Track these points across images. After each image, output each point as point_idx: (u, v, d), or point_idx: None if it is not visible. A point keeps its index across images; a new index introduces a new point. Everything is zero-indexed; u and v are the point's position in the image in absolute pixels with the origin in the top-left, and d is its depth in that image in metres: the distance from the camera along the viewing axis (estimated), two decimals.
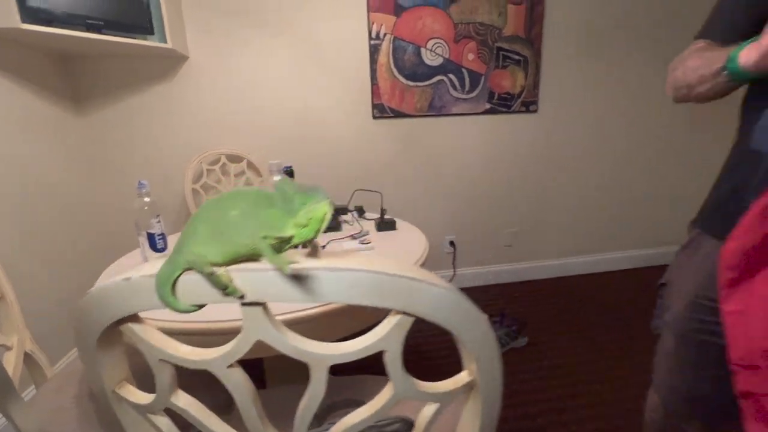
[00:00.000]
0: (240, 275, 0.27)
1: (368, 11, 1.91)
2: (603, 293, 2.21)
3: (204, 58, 1.83)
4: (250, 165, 1.95)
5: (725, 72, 0.59)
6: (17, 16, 1.25)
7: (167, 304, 0.28)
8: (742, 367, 0.51)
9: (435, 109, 2.08)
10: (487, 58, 2.05)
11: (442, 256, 2.31)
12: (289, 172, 1.02)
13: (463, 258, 2.34)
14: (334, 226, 1.25)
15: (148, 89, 1.81)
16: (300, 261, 0.27)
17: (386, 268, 0.27)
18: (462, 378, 0.36)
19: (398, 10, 1.92)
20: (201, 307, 0.28)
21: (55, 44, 1.53)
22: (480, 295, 2.24)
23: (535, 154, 2.24)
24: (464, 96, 2.08)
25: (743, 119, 0.68)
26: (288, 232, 0.27)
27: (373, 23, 1.92)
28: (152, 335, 0.32)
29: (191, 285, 0.28)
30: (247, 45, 1.85)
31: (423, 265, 1.03)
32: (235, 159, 1.93)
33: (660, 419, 0.84)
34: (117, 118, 1.81)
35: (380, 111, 2.03)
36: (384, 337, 0.31)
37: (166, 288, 0.28)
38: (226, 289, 0.26)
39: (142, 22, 1.59)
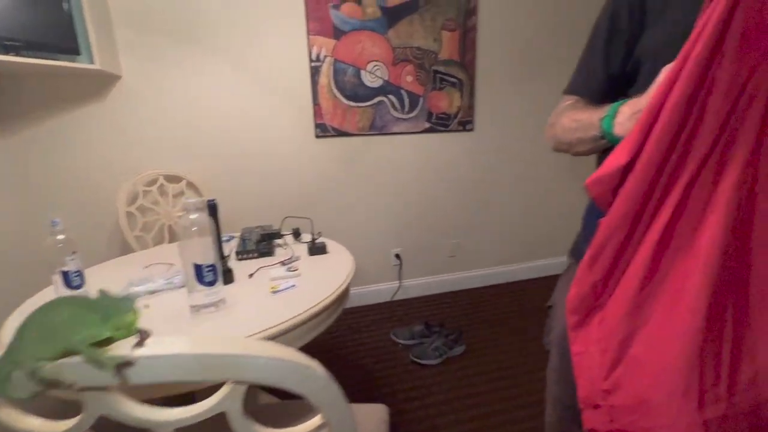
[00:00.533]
0: (73, 367, 0.31)
1: (308, 34, 1.95)
2: (539, 297, 2.37)
3: (138, 78, 1.80)
4: (190, 185, 1.93)
5: (603, 140, 0.59)
6: None
7: (2, 392, 0.32)
8: (586, 406, 0.53)
9: (377, 129, 2.16)
10: (424, 81, 2.16)
11: (389, 269, 2.39)
12: (213, 206, 1.04)
13: (409, 270, 2.42)
14: (266, 251, 1.28)
15: (78, 109, 1.75)
16: (125, 351, 0.32)
17: (209, 349, 0.33)
18: (314, 422, 0.41)
19: (337, 34, 1.99)
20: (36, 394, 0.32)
21: None
22: (424, 305, 2.34)
23: (473, 170, 2.38)
24: (404, 116, 2.18)
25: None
26: (106, 335, 0.31)
27: (313, 46, 1.97)
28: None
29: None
30: (185, 64, 1.84)
31: (349, 284, 1.08)
32: (173, 179, 1.90)
33: (554, 423, 0.94)
34: (43, 140, 1.73)
35: (323, 130, 2.08)
36: (221, 402, 0.36)
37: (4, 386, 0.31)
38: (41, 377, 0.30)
39: (67, 43, 1.55)
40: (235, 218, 2.04)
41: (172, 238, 1.88)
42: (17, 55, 1.42)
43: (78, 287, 0.97)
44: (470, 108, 2.28)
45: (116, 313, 0.30)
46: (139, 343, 0.31)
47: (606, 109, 0.57)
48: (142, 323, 0.31)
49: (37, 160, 1.75)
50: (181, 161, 1.92)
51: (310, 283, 1.06)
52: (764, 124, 0.38)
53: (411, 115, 2.19)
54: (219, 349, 0.33)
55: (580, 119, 0.65)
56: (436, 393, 1.58)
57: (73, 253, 0.95)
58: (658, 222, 0.42)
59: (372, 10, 2.01)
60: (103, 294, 0.33)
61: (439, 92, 2.20)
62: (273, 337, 0.84)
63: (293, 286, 1.03)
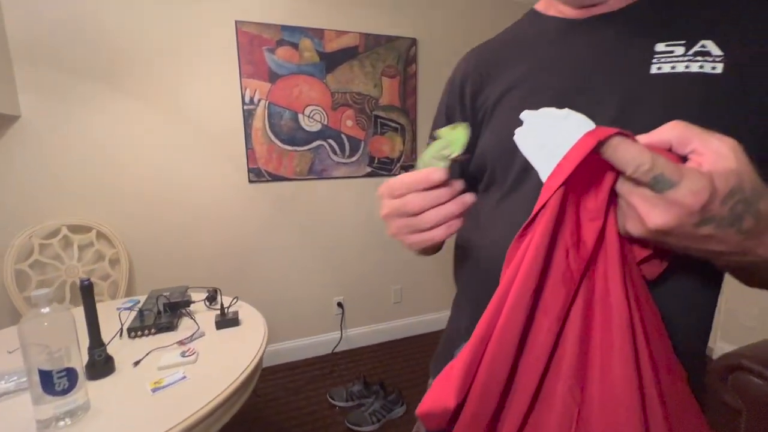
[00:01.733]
0: None
1: (241, 77, 1.87)
2: None
3: (40, 118, 1.61)
4: (101, 235, 1.72)
5: None
6: None
7: None
8: None
9: (315, 173, 2.08)
10: (365, 125, 2.13)
11: (331, 318, 2.25)
12: (87, 287, 0.89)
13: (352, 318, 2.30)
14: (166, 326, 1.12)
15: None
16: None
17: None
18: None
19: (273, 77, 1.92)
20: None
21: None
22: (367, 357, 2.21)
23: None
24: (345, 160, 2.12)
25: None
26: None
27: (246, 88, 1.88)
28: None
29: None
30: (99, 105, 1.68)
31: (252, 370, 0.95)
32: (80, 230, 1.69)
33: None
34: None
35: (257, 175, 1.96)
36: None
37: None
38: None
39: None
40: (154, 272, 1.85)
41: (76, 300, 1.65)
42: None
43: None
44: (412, 152, 2.26)
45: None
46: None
47: None
48: None
49: None
50: (91, 209, 1.72)
51: (205, 372, 0.92)
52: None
53: (352, 159, 2.13)
54: None
55: None
56: None
57: None
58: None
59: (309, 54, 1.97)
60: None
61: (380, 137, 2.17)
62: None
63: (183, 378, 0.89)
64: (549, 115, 0.34)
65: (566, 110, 0.33)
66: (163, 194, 1.83)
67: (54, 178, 1.66)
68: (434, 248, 0.58)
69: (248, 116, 1.91)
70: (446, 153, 0.39)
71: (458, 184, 0.40)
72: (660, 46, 0.41)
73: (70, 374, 0.74)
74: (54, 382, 0.72)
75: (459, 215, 0.40)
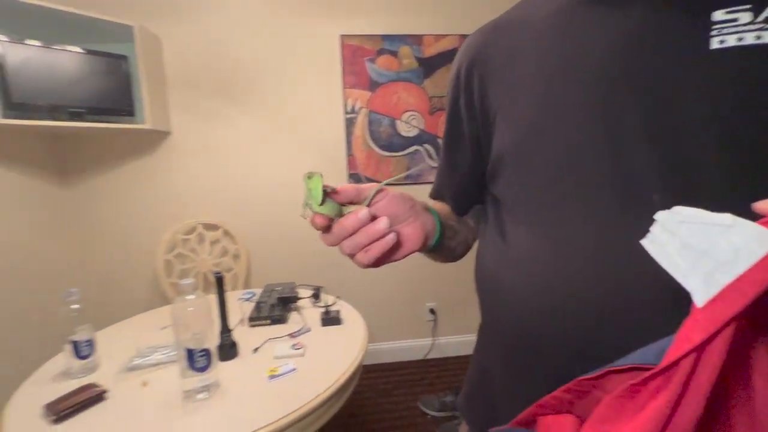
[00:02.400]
0: None
1: (344, 88, 1.98)
2: None
3: (185, 134, 1.92)
4: (226, 233, 1.98)
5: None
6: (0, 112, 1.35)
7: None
8: None
9: (411, 178, 2.09)
10: None
11: (422, 324, 2.24)
12: (219, 279, 1.01)
13: (445, 327, 2.25)
14: (279, 318, 1.23)
15: (130, 163, 1.90)
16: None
17: None
18: None
19: (373, 86, 1.99)
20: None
21: (40, 129, 1.64)
22: (459, 368, 2.14)
23: None
24: None
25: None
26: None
27: (348, 98, 1.98)
28: None
29: None
30: (227, 121, 1.94)
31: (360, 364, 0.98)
32: (211, 227, 1.96)
33: None
34: (100, 190, 1.89)
35: (356, 180, 2.05)
36: None
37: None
38: None
39: (123, 106, 1.70)
40: (265, 269, 2.05)
41: (208, 287, 1.92)
42: (80, 120, 1.57)
43: (86, 357, 0.97)
44: None
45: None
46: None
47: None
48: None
49: (94, 208, 1.90)
50: (218, 210, 1.99)
51: (312, 367, 0.98)
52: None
53: None
54: None
55: None
56: None
57: (85, 324, 0.96)
58: None
59: (408, 61, 1.99)
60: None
61: None
62: None
63: (293, 370, 0.95)
64: (705, 220, 0.25)
65: (729, 216, 0.24)
66: (275, 198, 2.03)
67: (192, 184, 1.96)
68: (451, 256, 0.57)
69: (349, 124, 2.01)
70: (311, 203, 0.40)
71: (353, 218, 0.39)
72: (718, 14, 0.32)
73: (208, 354, 0.84)
74: (196, 359, 0.83)
75: (371, 242, 0.39)
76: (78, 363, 0.96)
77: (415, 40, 1.98)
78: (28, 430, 0.79)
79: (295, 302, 1.34)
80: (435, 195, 0.62)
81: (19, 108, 1.44)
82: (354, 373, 0.99)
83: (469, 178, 0.53)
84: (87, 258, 1.91)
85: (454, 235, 0.55)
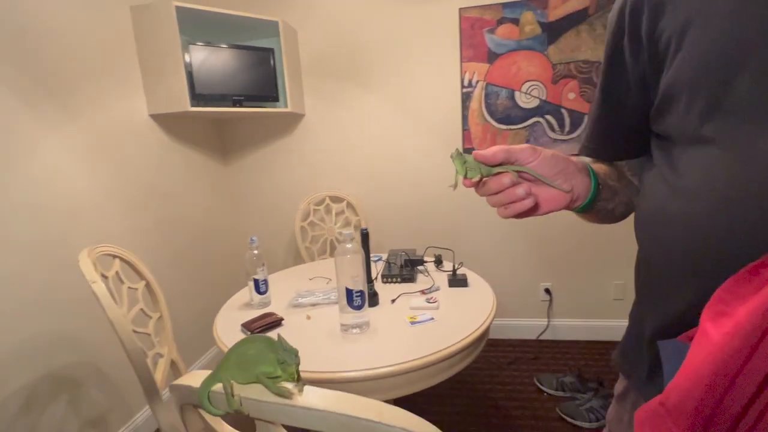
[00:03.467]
0: (251, 402, 0.39)
1: (461, 61, 1.98)
2: None
3: (316, 115, 2.15)
4: (349, 205, 2.18)
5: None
6: (188, 102, 1.70)
7: (202, 406, 0.42)
8: None
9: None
10: (591, 96, 1.91)
11: (537, 304, 2.17)
12: (365, 235, 1.15)
13: (561, 308, 2.15)
14: (408, 277, 1.33)
15: (273, 142, 2.21)
16: (291, 394, 0.37)
17: (351, 410, 0.35)
18: None
19: (492, 57, 1.95)
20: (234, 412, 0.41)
21: (210, 116, 2.01)
22: (576, 352, 2.03)
23: None
24: (564, 137, 1.97)
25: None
26: (278, 374, 0.38)
27: (465, 72, 1.98)
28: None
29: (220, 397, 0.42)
30: (351, 101, 2.11)
31: (491, 321, 1.03)
32: (336, 200, 2.18)
33: None
34: (250, 166, 2.25)
35: None
36: None
37: (204, 395, 0.41)
38: (232, 405, 0.39)
39: (270, 93, 1.97)
40: (383, 238, 2.21)
41: (332, 252, 2.15)
42: (240, 106, 1.88)
43: (263, 293, 1.20)
44: None
45: (286, 361, 0.37)
46: (299, 387, 0.37)
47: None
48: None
49: (246, 181, 2.27)
50: (343, 184, 2.20)
51: (448, 318, 1.05)
52: None
53: (572, 135, 1.96)
54: (360, 412, 0.35)
55: None
56: None
57: (263, 265, 1.19)
58: None
59: (531, 27, 1.90)
60: (280, 340, 0.41)
61: None
62: (410, 371, 0.86)
63: (431, 319, 1.04)
64: None
65: None
66: (393, 172, 2.15)
67: (322, 159, 2.19)
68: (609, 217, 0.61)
69: (466, 98, 2.01)
70: (471, 175, 0.46)
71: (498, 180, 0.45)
72: None
73: (362, 295, 0.97)
74: (353, 298, 0.96)
75: (510, 202, 0.46)
76: (258, 297, 1.20)
77: (540, 3, 1.87)
78: (235, 337, 1.02)
79: (422, 264, 1.43)
80: (586, 152, 0.61)
81: (200, 98, 1.79)
82: (487, 329, 1.04)
83: (629, 126, 0.52)
84: (240, 220, 2.31)
85: (612, 197, 0.56)
